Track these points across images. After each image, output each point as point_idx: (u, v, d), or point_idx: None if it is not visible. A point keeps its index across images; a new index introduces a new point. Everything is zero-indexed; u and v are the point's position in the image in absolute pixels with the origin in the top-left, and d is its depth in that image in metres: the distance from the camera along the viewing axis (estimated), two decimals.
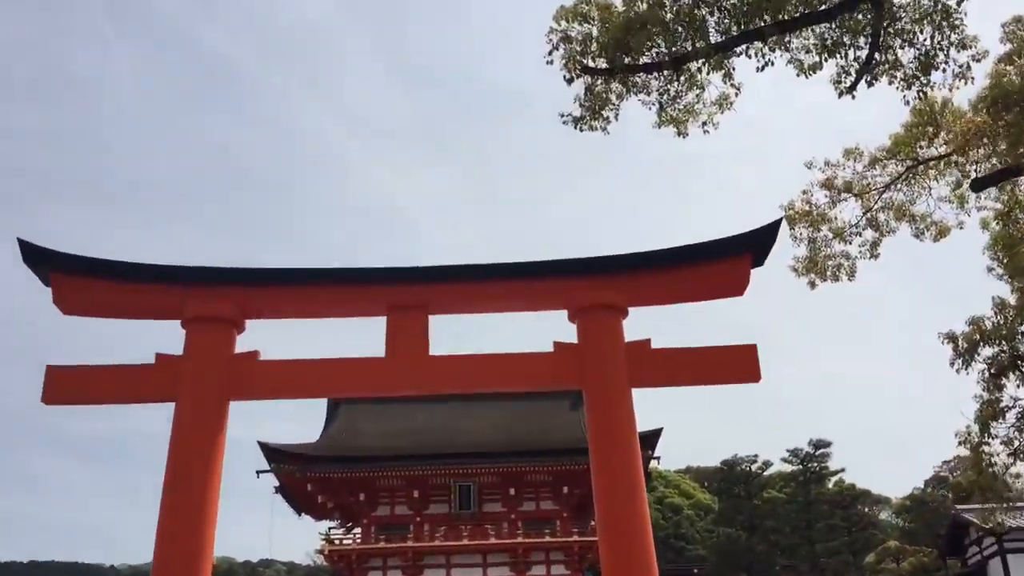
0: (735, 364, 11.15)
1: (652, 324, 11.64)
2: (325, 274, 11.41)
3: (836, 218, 9.87)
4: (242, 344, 11.36)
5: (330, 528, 48.24)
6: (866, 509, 36.30)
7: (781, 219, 11.43)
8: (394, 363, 11.08)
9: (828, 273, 10.00)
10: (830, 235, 9.65)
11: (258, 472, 40.93)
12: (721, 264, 11.50)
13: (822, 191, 9.82)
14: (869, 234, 9.54)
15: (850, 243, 9.79)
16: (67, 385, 10.82)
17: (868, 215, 9.37)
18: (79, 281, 11.24)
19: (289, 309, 11.55)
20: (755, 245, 11.46)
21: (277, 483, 44.14)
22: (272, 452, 41.50)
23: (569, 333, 11.46)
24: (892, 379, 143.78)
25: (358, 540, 43.50)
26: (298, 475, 41.99)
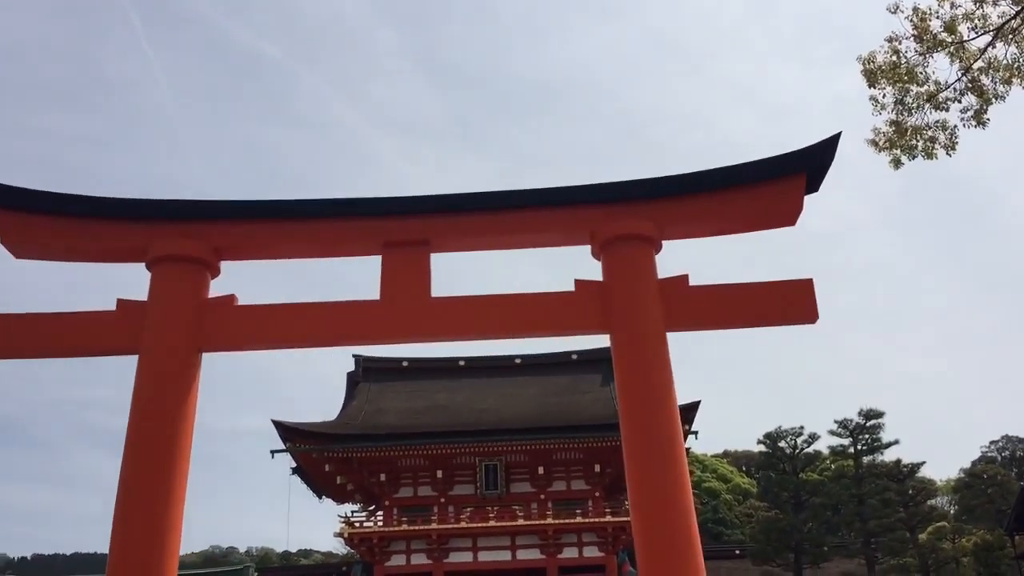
0: (788, 302, 9.78)
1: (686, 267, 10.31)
2: (310, 207, 10.19)
3: (929, 78, 8.33)
4: (217, 292, 10.21)
5: (353, 512, 47.53)
6: (925, 476, 34.86)
7: (840, 134, 10.00)
8: (391, 307, 9.85)
9: (919, 147, 8.43)
10: (922, 98, 8.11)
11: (273, 452, 40.07)
12: (770, 187, 10.12)
13: (911, 42, 8.23)
14: (971, 100, 8.01)
15: (946, 110, 8.26)
16: (15, 336, 9.72)
17: (968, 76, 7.83)
18: (30, 219, 10.10)
19: (269, 248, 10.35)
20: (811, 164, 10.06)
21: (294, 464, 43.38)
22: (287, 431, 40.63)
23: (594, 273, 10.16)
24: (930, 367, 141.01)
25: (380, 523, 42.63)
26: (315, 455, 41.14)
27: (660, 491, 8.90)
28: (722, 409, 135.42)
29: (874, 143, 9.22)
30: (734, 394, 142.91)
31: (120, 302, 9.85)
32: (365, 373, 50.46)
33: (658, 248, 10.19)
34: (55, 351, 9.87)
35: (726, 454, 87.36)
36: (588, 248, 10.31)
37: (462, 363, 51.97)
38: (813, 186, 10.22)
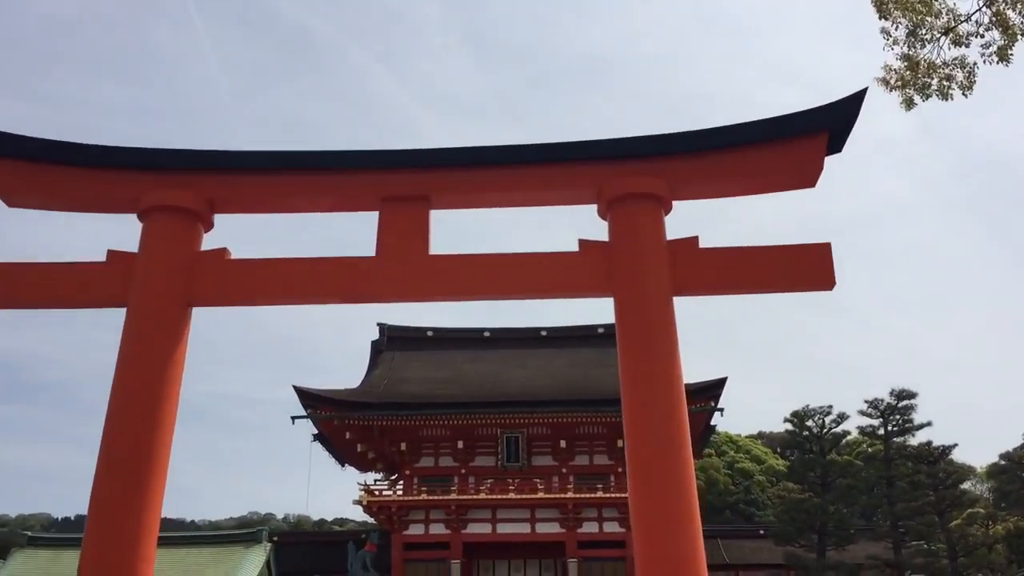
0: (804, 267, 9.35)
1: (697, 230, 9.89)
2: (307, 158, 9.92)
3: (947, 10, 7.72)
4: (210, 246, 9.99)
5: (376, 480, 47.79)
6: (957, 459, 34.12)
7: (865, 90, 9.50)
8: (387, 264, 9.56)
9: (933, 85, 7.86)
10: (939, 31, 7.55)
11: (293, 418, 40.27)
12: (790, 145, 9.66)
13: None
14: (994, 35, 7.43)
15: (966, 45, 7.68)
16: (4, 285, 9.57)
17: (992, 9, 7.24)
18: (22, 166, 9.93)
19: (265, 201, 10.09)
20: (834, 121, 9.58)
21: (315, 431, 43.62)
22: (308, 397, 40.80)
23: (600, 234, 9.79)
24: (973, 353, 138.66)
25: (399, 492, 42.81)
26: (336, 422, 41.28)
27: (658, 462, 8.57)
28: (758, 390, 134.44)
29: (884, 81, 8.69)
30: (771, 376, 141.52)
31: (111, 253, 9.66)
32: (389, 342, 50.54)
33: (668, 209, 9.79)
34: (44, 302, 9.72)
35: (760, 435, 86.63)
36: (595, 208, 9.95)
37: (487, 334, 51.85)
38: (836, 145, 9.75)
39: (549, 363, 46.58)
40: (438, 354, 49.26)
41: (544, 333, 50.69)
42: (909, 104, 8.37)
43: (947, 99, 7.95)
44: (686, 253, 9.45)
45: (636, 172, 9.58)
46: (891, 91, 8.16)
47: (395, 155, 9.84)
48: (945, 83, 7.81)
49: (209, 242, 9.99)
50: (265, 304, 9.91)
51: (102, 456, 8.66)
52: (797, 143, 9.64)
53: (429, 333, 51.99)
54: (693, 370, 39.51)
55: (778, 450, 76.52)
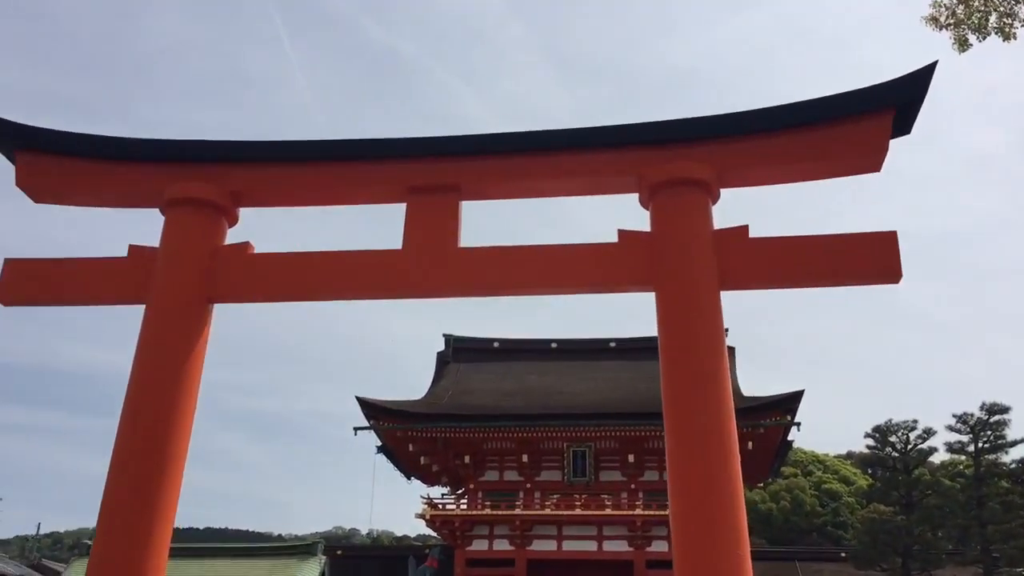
0: (866, 257, 8.61)
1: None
2: (330, 148, 9.60)
3: None
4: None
5: (444, 495, 47.60)
6: None
7: (936, 63, 8.75)
8: (414, 257, 9.15)
9: (991, 22, 7.05)
10: None
11: (356, 429, 40.35)
12: (851, 126, 8.94)
13: None
14: None
15: None
16: (28, 281, 9.48)
17: None
18: (47, 160, 9.85)
19: (289, 193, 9.79)
20: (900, 98, 8.83)
21: (379, 443, 43.63)
22: (371, 408, 40.85)
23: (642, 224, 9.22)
24: None
25: (463, 506, 42.49)
26: (399, 434, 41.23)
27: (702, 472, 7.93)
28: (848, 409, 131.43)
29: (933, 20, 7.90)
30: (862, 394, 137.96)
31: (132, 248, 9.48)
32: (455, 353, 50.48)
33: (715, 197, 9.15)
34: (64, 299, 9.58)
35: (850, 455, 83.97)
36: (636, 197, 9.38)
37: (554, 345, 51.43)
38: (903, 126, 8.99)
39: (617, 375, 45.81)
40: (504, 365, 48.93)
41: (612, 345, 50.01)
42: (963, 45, 7.57)
43: (1008, 39, 7.13)
44: (735, 243, 8.81)
45: (680, 157, 8.99)
46: (941, 30, 7.37)
47: (423, 143, 9.44)
48: (1007, 20, 6.99)
49: (235, 238, 9.75)
50: (289, 300, 9.59)
51: (115, 458, 8.41)
52: (859, 123, 8.92)
53: (495, 344, 51.79)
54: (781, 388, 38.44)
55: (868, 471, 74.15)
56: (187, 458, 8.73)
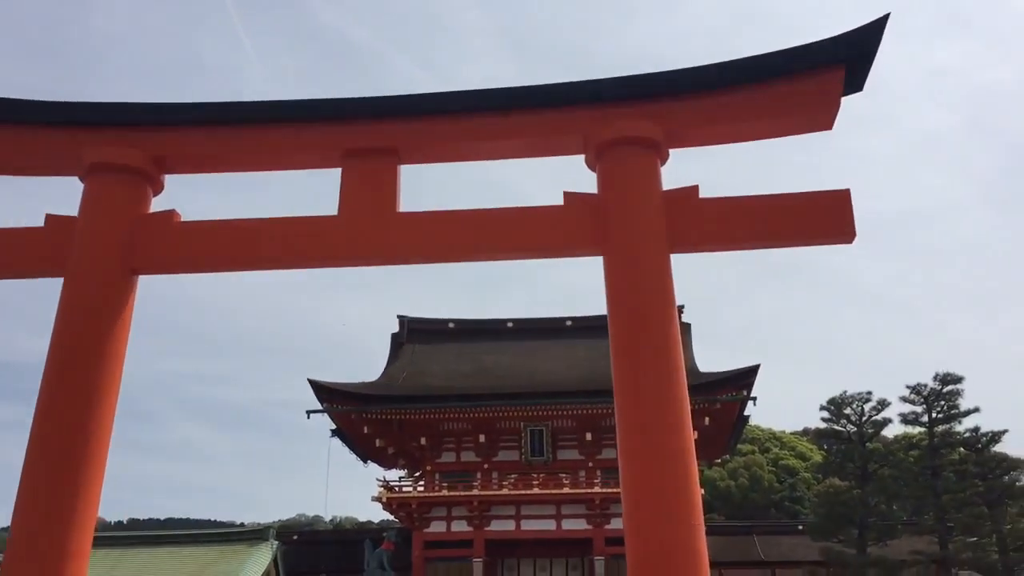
0: (819, 216, 8.42)
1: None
2: (262, 110, 9.17)
3: None
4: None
5: (400, 477, 47.27)
6: (1007, 455, 32.38)
7: (887, 16, 8.55)
8: (351, 223, 8.77)
9: None
10: None
11: (308, 412, 39.78)
12: (801, 82, 8.74)
13: None
14: None
15: None
16: None
17: None
18: None
19: (217, 159, 9.35)
20: (851, 53, 8.62)
21: (333, 426, 43.13)
22: (324, 391, 40.30)
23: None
24: (1019, 351, 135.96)
25: (420, 488, 42.19)
26: (353, 416, 40.76)
27: (653, 439, 7.72)
28: (805, 387, 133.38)
29: None
30: (818, 372, 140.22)
31: (49, 217, 8.98)
32: (410, 335, 50.02)
33: (664, 157, 8.90)
34: None
35: (806, 431, 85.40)
36: (583, 159, 9.09)
37: (511, 325, 51.17)
38: (856, 82, 8.79)
39: (574, 354, 45.69)
40: (460, 346, 48.60)
41: (569, 323, 49.88)
42: None
43: None
44: (684, 204, 8.56)
45: (627, 115, 8.71)
46: None
47: (357, 104, 9.04)
48: None
49: (162, 208, 9.28)
50: (219, 270, 9.15)
51: (32, 438, 7.95)
52: (810, 79, 8.72)
53: (451, 325, 51.41)
54: (737, 367, 38.58)
55: (823, 447, 75.49)
56: (111, 440, 8.31)
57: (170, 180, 9.48)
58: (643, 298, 8.18)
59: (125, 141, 9.03)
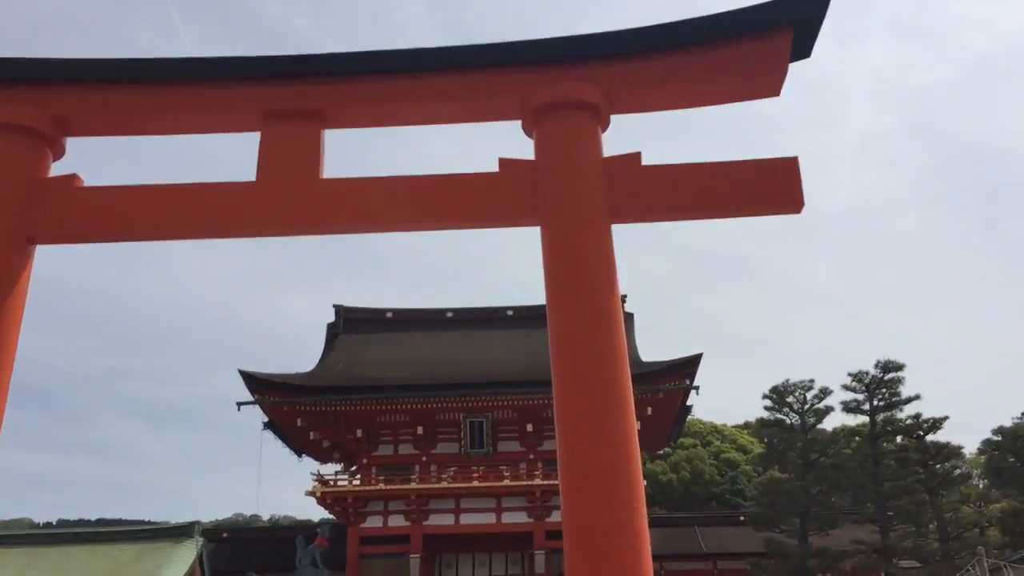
0: (766, 185, 8.18)
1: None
2: (170, 68, 8.60)
3: None
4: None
5: (336, 472, 46.57)
6: (948, 442, 32.99)
7: None
8: (271, 189, 8.29)
9: None
10: None
11: (239, 404, 38.92)
12: (748, 45, 8.47)
13: None
14: None
15: None
16: None
17: None
18: None
19: (124, 121, 8.77)
20: (799, 14, 8.39)
21: (265, 419, 42.30)
22: (256, 382, 39.47)
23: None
24: (959, 344, 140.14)
25: (356, 482, 41.59)
26: (286, 408, 39.99)
27: (593, 419, 7.39)
28: (746, 382, 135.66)
29: None
30: (759, 367, 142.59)
31: None
32: (346, 325, 49.32)
33: (605, 124, 8.60)
34: None
35: (747, 425, 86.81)
36: (519, 125, 8.74)
37: (450, 315, 50.79)
38: (803, 47, 8.57)
39: (515, 344, 45.46)
40: (398, 336, 48.05)
41: (510, 313, 49.68)
42: None
43: None
44: (626, 172, 8.25)
45: (567, 77, 8.37)
46: None
47: (278, 62, 8.55)
48: None
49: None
50: (125, 239, 8.61)
51: None
52: (758, 42, 8.46)
53: (389, 315, 50.82)
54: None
55: (765, 439, 76.87)
56: (3, 423, 7.74)
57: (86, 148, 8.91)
58: (582, 269, 7.86)
59: (21, 98, 8.42)
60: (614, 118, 8.70)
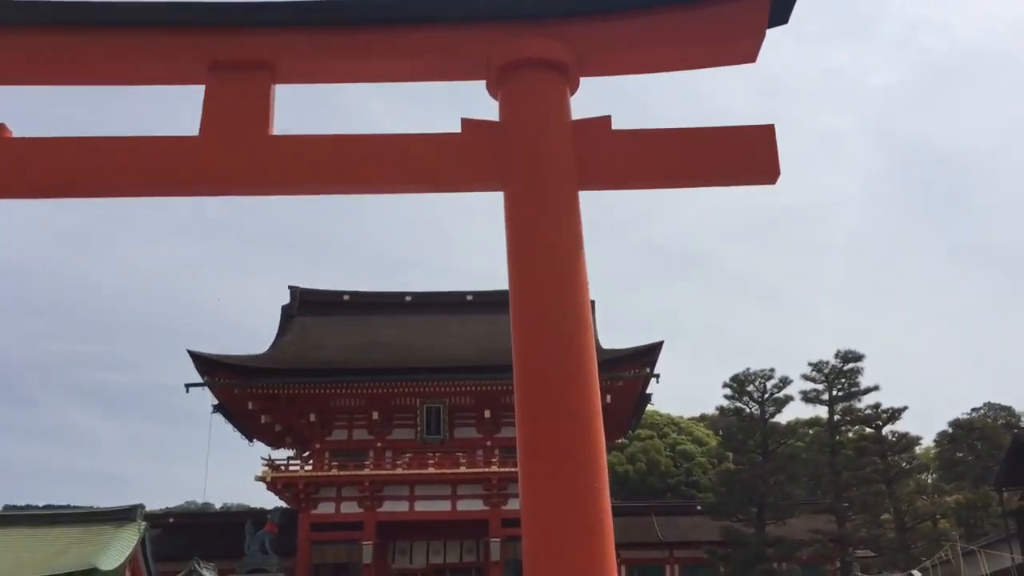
0: (741, 153, 7.86)
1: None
2: (113, 11, 8.05)
3: None
4: None
5: (289, 457, 45.93)
6: (907, 432, 33.35)
7: None
8: (215, 144, 7.78)
9: None
10: None
11: (187, 386, 38.17)
12: (726, 7, 8.14)
13: None
14: None
15: None
16: None
17: None
18: None
19: (56, 66, 8.19)
20: None
21: (215, 401, 41.54)
22: (205, 363, 38.73)
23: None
24: (909, 342, 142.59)
25: (308, 468, 41.04)
26: (237, 391, 39.33)
27: (556, 396, 7.01)
28: (702, 375, 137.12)
29: None
30: (715, 361, 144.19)
31: None
32: (301, 307, 48.69)
33: (574, 86, 8.22)
34: None
35: (703, 418, 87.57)
36: (484, 85, 8.33)
37: (409, 299, 50.35)
38: (781, 11, 8.25)
39: (474, 329, 45.19)
40: (355, 319, 47.52)
41: (470, 298, 49.35)
42: None
43: None
44: (595, 136, 7.87)
45: (535, 34, 7.96)
46: None
47: (225, 8, 8.03)
48: None
49: None
50: (55, 195, 8.05)
51: None
52: (734, 5, 8.13)
53: (346, 297, 50.26)
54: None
55: (720, 433, 77.90)
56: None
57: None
58: (548, 238, 7.47)
59: None
60: (583, 81, 8.37)
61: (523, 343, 7.41)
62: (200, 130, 7.89)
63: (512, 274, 7.62)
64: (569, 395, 6.91)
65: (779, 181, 8.04)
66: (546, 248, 7.45)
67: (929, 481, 40.60)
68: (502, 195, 7.85)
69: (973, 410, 68.73)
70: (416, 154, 7.88)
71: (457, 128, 8.00)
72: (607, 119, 8.00)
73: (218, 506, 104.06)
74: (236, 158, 7.76)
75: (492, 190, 7.93)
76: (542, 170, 7.64)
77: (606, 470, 7.09)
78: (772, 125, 7.98)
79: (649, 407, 53.11)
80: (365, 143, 7.93)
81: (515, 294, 7.58)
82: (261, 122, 7.95)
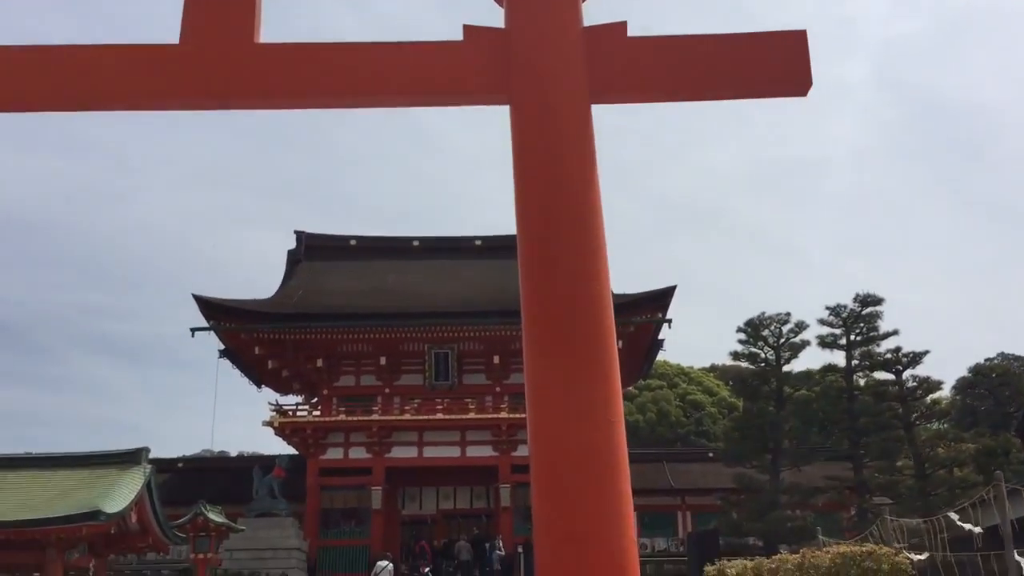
0: (769, 62, 7.21)
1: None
2: None
3: None
4: None
5: (297, 403, 45.92)
6: (928, 376, 32.79)
7: None
8: (197, 52, 7.19)
9: None
10: None
11: (193, 330, 38.01)
12: None
13: None
14: None
15: None
16: None
17: None
18: None
19: None
20: None
21: (221, 346, 41.40)
22: (211, 307, 38.52)
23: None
24: (924, 296, 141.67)
25: (316, 414, 40.99)
26: (243, 336, 39.16)
27: (569, 329, 6.48)
28: (713, 326, 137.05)
29: None
30: (726, 313, 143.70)
31: None
32: (308, 251, 48.41)
33: None
34: None
35: (713, 368, 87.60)
36: None
37: (417, 244, 49.92)
38: None
39: (483, 274, 44.78)
40: (362, 264, 47.23)
41: (479, 243, 48.89)
42: None
43: None
44: (610, 44, 7.24)
45: None
46: None
47: None
48: None
49: None
50: (24, 109, 7.51)
51: None
52: None
53: (352, 242, 49.89)
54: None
55: (730, 383, 77.98)
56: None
57: None
58: (558, 154, 6.90)
59: None
60: None
61: (532, 272, 6.87)
62: (180, 37, 7.32)
63: (518, 196, 7.07)
64: (582, 318, 6.39)
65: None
66: (556, 167, 6.90)
67: (949, 429, 40.14)
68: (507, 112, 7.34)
69: (987, 360, 68.41)
70: (415, 63, 7.30)
71: (459, 36, 7.46)
72: (623, 25, 7.38)
73: (234, 454, 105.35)
74: (220, 68, 7.18)
75: (497, 103, 7.35)
76: (551, 81, 7.05)
77: (621, 403, 6.63)
78: (804, 31, 7.32)
79: (659, 357, 52.82)
80: (359, 51, 7.35)
81: (521, 218, 7.02)
82: (247, 29, 7.35)
